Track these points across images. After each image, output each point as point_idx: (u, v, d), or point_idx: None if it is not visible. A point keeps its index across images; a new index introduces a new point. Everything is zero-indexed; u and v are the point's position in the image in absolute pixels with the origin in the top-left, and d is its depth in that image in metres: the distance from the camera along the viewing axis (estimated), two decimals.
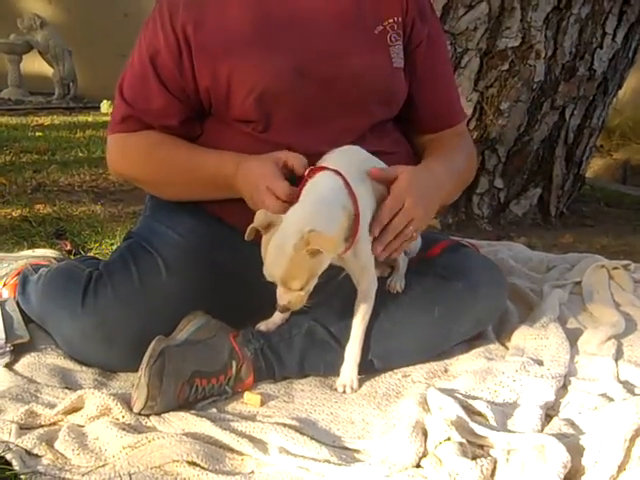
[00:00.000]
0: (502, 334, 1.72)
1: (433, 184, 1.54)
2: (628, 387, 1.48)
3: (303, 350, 1.53)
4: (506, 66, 2.88)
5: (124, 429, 1.29)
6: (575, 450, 1.20)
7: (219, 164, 1.55)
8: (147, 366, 1.34)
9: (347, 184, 1.37)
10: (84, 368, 1.54)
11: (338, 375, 1.51)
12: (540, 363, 1.54)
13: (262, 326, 1.54)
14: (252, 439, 1.28)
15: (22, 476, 1.18)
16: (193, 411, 1.38)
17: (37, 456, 1.24)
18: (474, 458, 1.20)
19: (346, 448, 1.30)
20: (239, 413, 1.41)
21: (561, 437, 1.24)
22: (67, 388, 1.46)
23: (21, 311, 1.68)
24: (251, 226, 1.34)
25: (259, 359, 1.50)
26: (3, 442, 1.25)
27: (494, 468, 1.20)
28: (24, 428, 1.30)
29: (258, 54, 1.55)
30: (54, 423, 1.33)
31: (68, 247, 2.33)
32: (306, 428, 1.32)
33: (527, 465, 1.19)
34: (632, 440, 1.20)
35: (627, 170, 4.54)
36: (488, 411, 1.32)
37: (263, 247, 1.33)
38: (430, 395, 1.34)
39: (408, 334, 1.54)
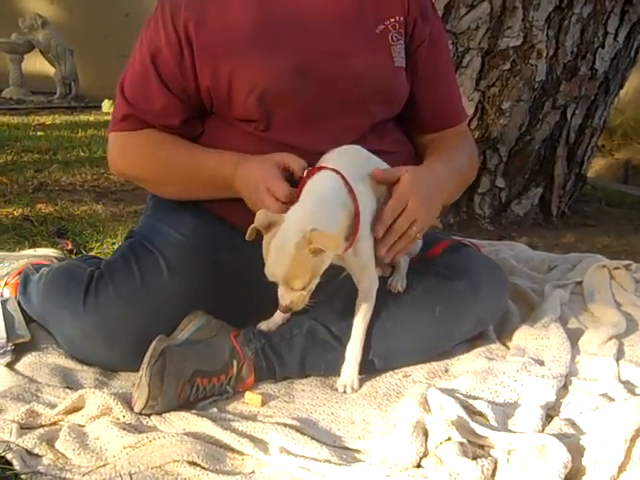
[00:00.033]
0: (503, 334, 1.72)
1: (435, 184, 1.54)
2: (629, 387, 1.48)
3: (304, 350, 1.53)
4: (508, 65, 2.87)
5: (125, 429, 1.29)
6: (576, 450, 1.20)
7: (218, 165, 1.55)
8: (148, 366, 1.34)
9: (347, 183, 1.37)
10: (85, 367, 1.54)
11: (339, 375, 1.51)
12: (541, 363, 1.54)
13: (263, 326, 1.54)
14: (253, 439, 1.28)
15: (23, 476, 1.18)
16: (194, 411, 1.37)
17: (38, 456, 1.24)
18: (475, 458, 1.20)
19: (347, 448, 1.30)
20: (240, 413, 1.41)
21: (562, 437, 1.24)
22: (68, 388, 1.46)
23: (22, 310, 1.68)
24: (252, 226, 1.34)
25: (260, 359, 1.50)
26: (4, 442, 1.25)
27: (495, 468, 1.20)
28: (25, 428, 1.30)
29: (259, 54, 1.55)
30: (55, 423, 1.33)
31: (69, 246, 2.34)
32: (307, 428, 1.32)
33: (528, 465, 1.19)
34: (633, 440, 1.20)
35: (629, 170, 4.53)
36: (489, 411, 1.32)
37: (264, 247, 1.33)
38: (431, 395, 1.34)
39: (409, 334, 1.54)
